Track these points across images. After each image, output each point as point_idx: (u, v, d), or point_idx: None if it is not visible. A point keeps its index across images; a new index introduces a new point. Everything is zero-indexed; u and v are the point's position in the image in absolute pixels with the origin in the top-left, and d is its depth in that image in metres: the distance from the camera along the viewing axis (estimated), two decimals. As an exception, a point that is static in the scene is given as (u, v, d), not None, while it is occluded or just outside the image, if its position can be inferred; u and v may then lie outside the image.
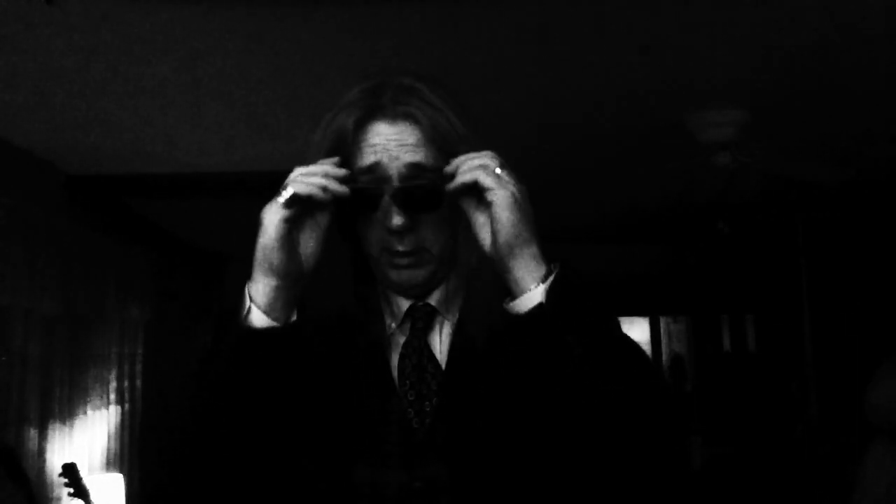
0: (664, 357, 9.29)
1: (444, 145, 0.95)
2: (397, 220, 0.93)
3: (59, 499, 3.15)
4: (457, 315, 1.01)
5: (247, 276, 0.98)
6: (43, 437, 3.11)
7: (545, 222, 0.97)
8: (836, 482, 3.83)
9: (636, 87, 2.67)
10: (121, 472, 3.74)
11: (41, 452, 3.09)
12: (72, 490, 2.98)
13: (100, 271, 3.70)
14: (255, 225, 0.99)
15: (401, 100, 0.96)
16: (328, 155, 0.96)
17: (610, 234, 5.72)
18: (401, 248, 0.95)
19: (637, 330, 10.22)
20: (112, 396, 3.84)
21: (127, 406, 4.00)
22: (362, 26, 2.12)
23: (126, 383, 4.00)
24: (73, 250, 3.41)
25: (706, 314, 7.91)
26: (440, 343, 1.00)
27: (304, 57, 2.31)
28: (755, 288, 6.31)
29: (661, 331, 9.31)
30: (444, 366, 0.99)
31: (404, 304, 1.01)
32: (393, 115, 0.96)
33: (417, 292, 1.00)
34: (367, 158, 0.95)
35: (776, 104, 2.89)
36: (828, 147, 3.44)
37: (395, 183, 0.93)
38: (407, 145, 0.94)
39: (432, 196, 0.94)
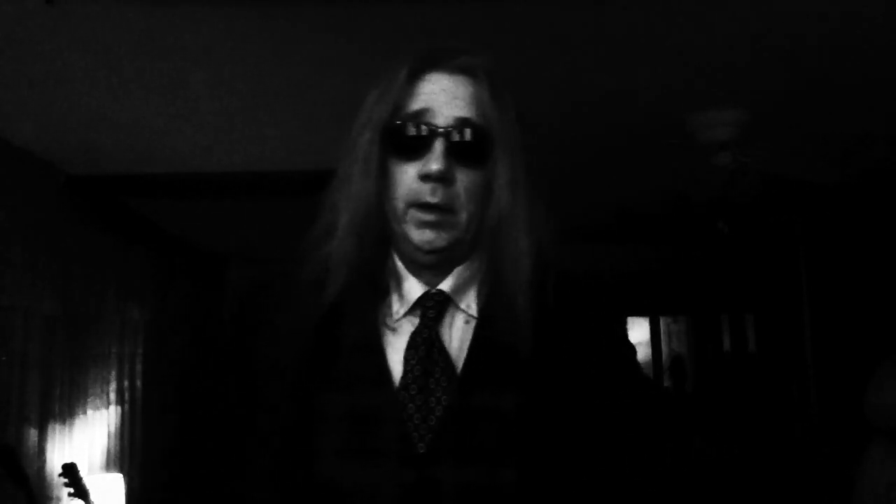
0: (664, 357, 9.29)
1: (495, 106, 0.93)
2: (436, 165, 0.89)
3: (59, 499, 3.15)
4: (472, 307, 0.95)
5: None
6: (43, 437, 3.11)
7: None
8: (836, 482, 3.83)
9: (636, 87, 2.67)
10: (121, 472, 3.74)
11: (41, 452, 3.09)
12: (72, 490, 2.98)
13: (100, 271, 3.70)
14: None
15: (459, 55, 0.95)
16: (381, 103, 0.94)
17: (610, 234, 5.72)
18: (431, 200, 0.90)
19: (637, 330, 10.23)
20: (112, 396, 3.84)
21: (127, 406, 4.00)
22: (364, 26, 2.12)
23: (126, 383, 4.01)
24: (73, 250, 3.41)
25: (706, 314, 7.91)
26: (450, 336, 0.94)
27: (304, 57, 2.31)
28: (755, 288, 6.31)
29: (661, 331, 9.31)
30: (456, 361, 0.92)
31: (416, 289, 0.95)
32: (450, 68, 0.95)
33: (435, 260, 0.93)
34: (417, 104, 0.93)
35: (776, 104, 2.89)
36: (828, 147, 3.44)
37: (443, 131, 0.91)
38: (459, 98, 0.93)
39: (476, 152, 0.92)
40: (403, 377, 0.91)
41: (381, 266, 0.96)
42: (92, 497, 3.02)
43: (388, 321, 0.95)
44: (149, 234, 4.42)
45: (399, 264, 0.96)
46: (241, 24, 2.08)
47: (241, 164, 3.41)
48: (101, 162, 3.34)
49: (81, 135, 2.96)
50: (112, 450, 3.79)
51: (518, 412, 0.89)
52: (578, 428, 0.91)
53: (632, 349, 1.04)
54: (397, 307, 0.95)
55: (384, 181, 0.94)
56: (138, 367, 4.17)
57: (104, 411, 3.74)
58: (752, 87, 2.70)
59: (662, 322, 9.33)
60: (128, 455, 3.95)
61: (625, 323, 1.05)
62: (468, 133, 0.92)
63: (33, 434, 3.03)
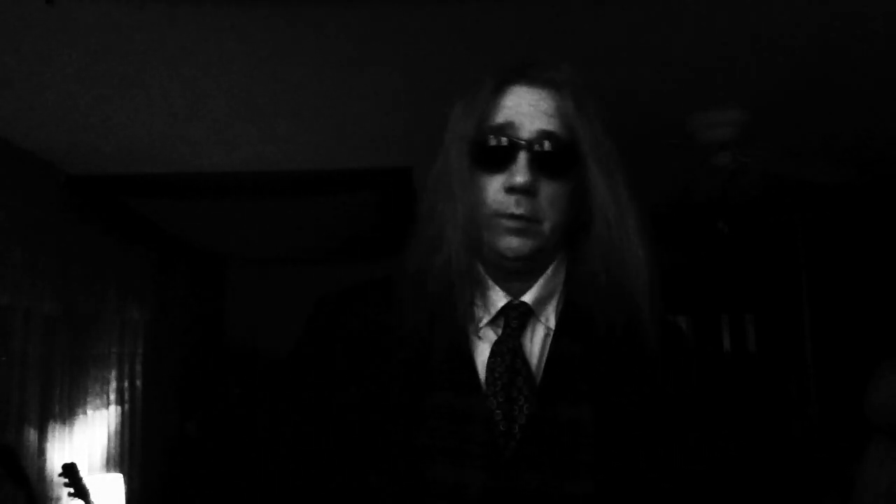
0: (664, 357, 9.28)
1: (580, 118, 0.95)
2: (522, 178, 0.92)
3: (59, 499, 3.16)
4: (550, 319, 0.98)
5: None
6: (43, 437, 3.11)
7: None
8: (836, 482, 3.83)
9: (636, 87, 2.67)
10: (121, 472, 3.74)
11: (41, 452, 3.09)
12: (72, 490, 2.98)
13: (100, 271, 3.70)
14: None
15: (543, 68, 0.97)
16: (466, 117, 0.96)
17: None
18: (516, 211, 0.92)
19: (637, 330, 10.22)
20: (112, 396, 3.84)
21: (127, 406, 4.00)
22: (364, 27, 2.12)
23: (126, 383, 4.01)
24: (73, 250, 3.41)
25: (706, 314, 7.90)
26: (532, 347, 0.97)
27: (304, 57, 2.31)
28: (755, 288, 6.31)
29: (661, 331, 9.29)
30: (536, 371, 0.95)
31: (500, 299, 0.97)
32: (534, 81, 0.97)
33: (519, 266, 0.96)
34: (502, 117, 0.95)
35: (776, 104, 2.89)
36: (828, 147, 3.44)
37: (526, 144, 0.93)
38: (543, 111, 0.95)
39: (560, 163, 0.94)
40: (491, 384, 0.94)
41: (466, 277, 0.98)
42: (92, 497, 3.02)
43: (473, 328, 0.97)
44: (149, 234, 4.41)
45: (483, 273, 0.99)
46: (241, 25, 2.08)
47: (241, 164, 3.41)
48: (101, 162, 3.34)
49: (81, 135, 2.96)
50: (112, 450, 3.79)
51: (595, 425, 0.92)
52: (650, 443, 0.93)
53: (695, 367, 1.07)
54: (481, 315, 0.98)
55: (473, 191, 0.96)
56: (138, 367, 4.17)
57: (104, 411, 3.74)
58: (752, 87, 2.70)
59: (662, 322, 9.31)
60: (128, 455, 3.95)
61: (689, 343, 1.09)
62: (552, 145, 0.94)
63: (33, 434, 3.03)
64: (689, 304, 8.06)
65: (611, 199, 0.95)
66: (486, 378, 0.94)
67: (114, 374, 3.86)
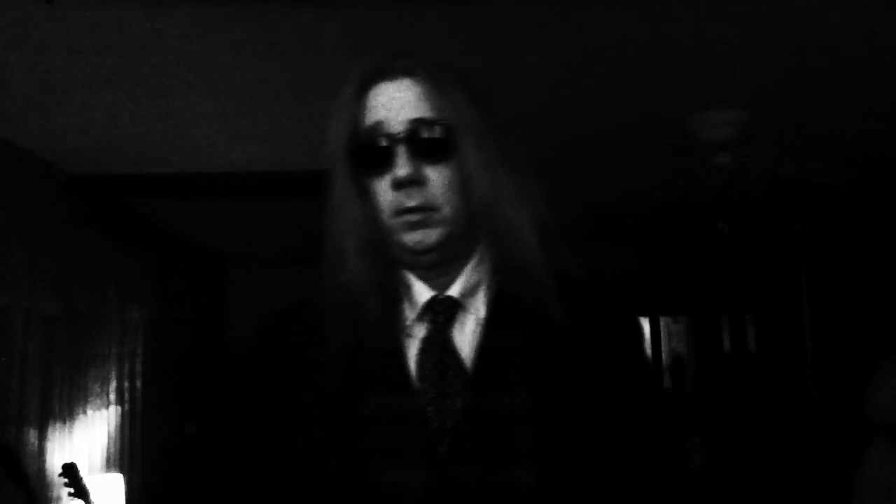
0: (664, 357, 9.30)
1: (444, 98, 0.94)
2: (403, 171, 0.91)
3: (59, 499, 3.16)
4: (481, 310, 0.97)
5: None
6: (43, 437, 3.11)
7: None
8: (836, 482, 3.83)
9: (636, 87, 2.67)
10: (121, 472, 3.74)
11: (41, 452, 3.09)
12: (72, 490, 2.98)
13: (100, 271, 3.70)
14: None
15: (400, 59, 0.97)
16: (338, 128, 0.96)
17: (610, 234, 5.72)
18: (410, 204, 0.92)
19: (637, 330, 10.21)
20: (112, 396, 3.84)
21: (127, 406, 4.00)
22: (365, 26, 2.12)
23: (126, 383, 4.01)
24: (73, 250, 3.42)
25: (706, 314, 7.91)
26: (462, 339, 0.96)
27: (304, 57, 2.31)
28: (755, 288, 6.31)
29: (661, 331, 9.32)
30: (468, 364, 0.94)
31: (424, 294, 0.97)
32: (392, 74, 0.96)
33: (431, 259, 0.95)
34: (370, 118, 0.95)
35: (776, 104, 2.89)
36: (828, 147, 3.44)
37: (400, 136, 0.93)
38: (408, 101, 0.94)
39: (438, 146, 0.93)
40: (421, 381, 0.94)
41: (392, 277, 0.99)
42: (92, 497, 3.02)
43: (403, 328, 0.97)
44: (149, 234, 4.42)
45: (406, 272, 0.99)
46: (241, 25, 2.08)
47: (241, 164, 3.41)
48: (101, 162, 3.34)
49: (81, 135, 2.96)
50: (112, 450, 3.79)
51: (531, 413, 0.90)
52: (590, 428, 0.92)
53: (641, 352, 1.04)
54: (408, 313, 0.98)
55: (368, 199, 0.96)
56: (138, 367, 4.17)
57: (104, 411, 3.74)
58: (752, 87, 2.70)
59: (662, 322, 9.34)
60: (128, 455, 3.95)
61: (636, 328, 1.04)
62: (425, 131, 0.93)
63: (33, 434, 3.03)
64: (689, 304, 8.08)
65: (484, 171, 0.94)
66: (417, 375, 0.94)
67: (114, 374, 3.87)
